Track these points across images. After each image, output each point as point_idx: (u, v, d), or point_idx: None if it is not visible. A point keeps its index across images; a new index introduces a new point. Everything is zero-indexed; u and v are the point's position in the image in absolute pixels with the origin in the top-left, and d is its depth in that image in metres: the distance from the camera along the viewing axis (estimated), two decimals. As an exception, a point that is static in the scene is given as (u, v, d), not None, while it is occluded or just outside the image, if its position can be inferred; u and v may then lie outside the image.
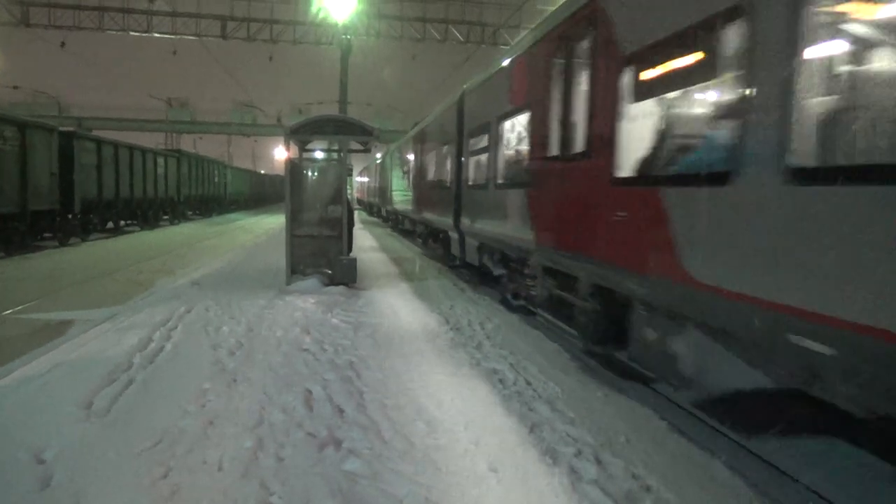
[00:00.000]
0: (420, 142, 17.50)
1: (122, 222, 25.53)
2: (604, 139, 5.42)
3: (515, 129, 8.65)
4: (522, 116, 8.02)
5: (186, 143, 61.12)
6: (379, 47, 34.23)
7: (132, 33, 31.15)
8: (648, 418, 5.03)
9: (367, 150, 12.95)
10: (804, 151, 3.29)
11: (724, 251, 3.86)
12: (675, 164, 4.73)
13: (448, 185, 12.44)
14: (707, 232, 4.03)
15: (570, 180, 6.37)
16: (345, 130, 11.08)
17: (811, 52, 3.28)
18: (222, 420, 4.56)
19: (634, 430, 4.67)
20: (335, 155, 13.11)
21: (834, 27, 3.28)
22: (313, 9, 29.51)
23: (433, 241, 16.35)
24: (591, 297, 6.00)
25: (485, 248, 10.16)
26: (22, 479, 3.58)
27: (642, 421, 4.95)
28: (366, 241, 20.95)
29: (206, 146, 67.21)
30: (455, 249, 12.50)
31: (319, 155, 14.41)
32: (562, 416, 4.86)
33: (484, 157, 9.84)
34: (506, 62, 8.79)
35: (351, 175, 17.74)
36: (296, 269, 10.73)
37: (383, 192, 29.80)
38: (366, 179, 49.87)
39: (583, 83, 6.03)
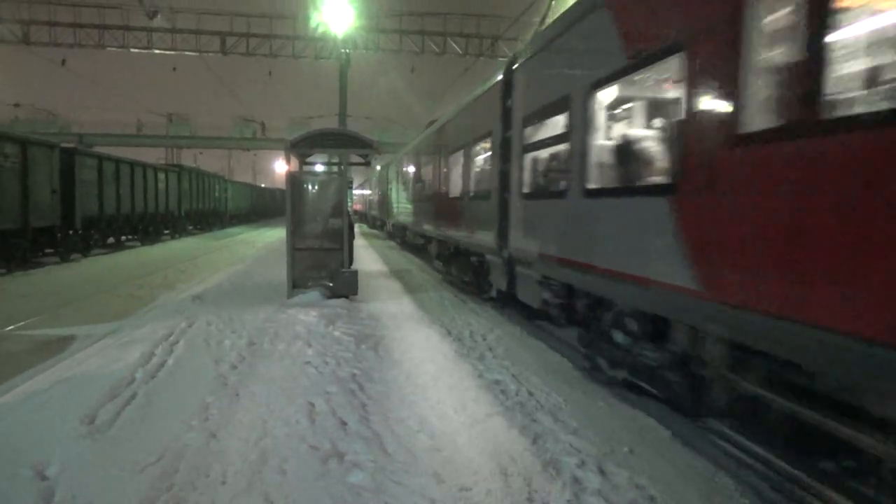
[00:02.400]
0: (437, 143, 14.53)
1: (123, 237, 25.54)
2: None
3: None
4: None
5: (187, 158, 61.36)
6: (378, 60, 34.46)
7: (132, 50, 31.30)
8: (652, 428, 5.03)
9: (367, 163, 12.99)
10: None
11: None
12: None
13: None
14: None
15: None
16: (345, 143, 11.13)
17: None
18: (225, 434, 4.55)
19: (638, 440, 4.66)
20: (335, 168, 13.15)
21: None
22: (312, 23, 29.71)
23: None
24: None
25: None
26: (24, 496, 3.57)
27: (646, 431, 4.94)
28: (367, 254, 20.97)
29: (206, 161, 67.58)
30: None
31: (320, 168, 14.45)
32: (565, 426, 4.85)
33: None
34: None
35: (351, 188, 17.74)
36: (297, 283, 10.74)
37: (386, 204, 28.68)
38: (366, 192, 49.81)
39: None
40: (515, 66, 8.67)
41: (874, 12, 3.15)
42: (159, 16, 29.97)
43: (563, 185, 6.78)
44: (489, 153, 9.90)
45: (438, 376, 6.22)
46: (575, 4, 6.47)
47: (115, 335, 8.21)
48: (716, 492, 3.95)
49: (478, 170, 10.87)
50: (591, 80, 5.92)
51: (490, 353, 7.20)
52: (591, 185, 6.01)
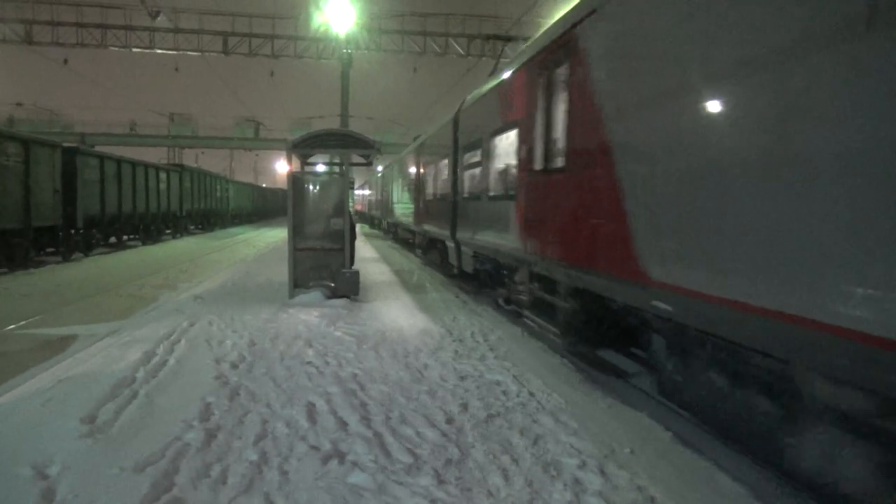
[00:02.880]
0: (418, 156, 18.28)
1: (125, 237, 25.59)
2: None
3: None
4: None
5: (189, 158, 61.42)
6: (379, 61, 34.42)
7: (135, 50, 31.32)
8: (653, 429, 5.02)
9: (368, 164, 13.00)
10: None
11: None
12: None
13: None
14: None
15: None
16: (346, 144, 11.13)
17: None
18: (226, 434, 4.56)
19: (639, 441, 4.66)
20: (337, 168, 13.15)
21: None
22: (314, 24, 29.75)
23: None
24: None
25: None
26: (25, 495, 3.57)
27: (647, 432, 4.94)
28: (368, 254, 20.98)
29: (208, 161, 67.67)
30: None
31: (321, 168, 14.45)
32: (565, 427, 4.85)
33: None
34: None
35: (352, 188, 18.21)
36: (298, 283, 10.75)
37: (384, 205, 30.72)
38: (367, 192, 50.04)
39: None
40: (459, 110, 12.38)
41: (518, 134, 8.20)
42: (161, 16, 30.03)
43: (477, 192, 10.59)
44: (447, 168, 13.31)
45: (440, 377, 6.22)
46: (490, 85, 10.13)
47: (116, 335, 8.22)
48: (716, 493, 3.95)
49: (442, 179, 14.20)
50: (490, 130, 9.71)
51: (491, 354, 7.20)
52: (491, 193, 9.73)
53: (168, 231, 30.77)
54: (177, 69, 36.12)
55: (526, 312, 8.58)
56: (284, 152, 11.37)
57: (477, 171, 10.59)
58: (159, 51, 31.38)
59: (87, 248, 20.71)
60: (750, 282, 3.61)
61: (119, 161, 23.47)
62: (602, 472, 4.05)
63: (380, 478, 3.89)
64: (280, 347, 7.27)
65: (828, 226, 3.12)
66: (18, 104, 55.02)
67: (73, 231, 19.59)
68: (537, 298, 7.91)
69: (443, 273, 15.32)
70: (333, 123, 33.65)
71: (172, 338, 7.68)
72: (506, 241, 8.64)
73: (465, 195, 11.52)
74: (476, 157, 10.63)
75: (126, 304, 11.40)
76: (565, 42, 6.52)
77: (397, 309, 9.99)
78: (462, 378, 6.19)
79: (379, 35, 31.43)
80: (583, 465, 4.14)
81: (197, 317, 9.01)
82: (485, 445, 4.46)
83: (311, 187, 11.24)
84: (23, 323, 9.59)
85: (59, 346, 8.24)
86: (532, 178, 7.62)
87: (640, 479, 3.98)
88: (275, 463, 4.08)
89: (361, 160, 12.45)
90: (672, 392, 5.20)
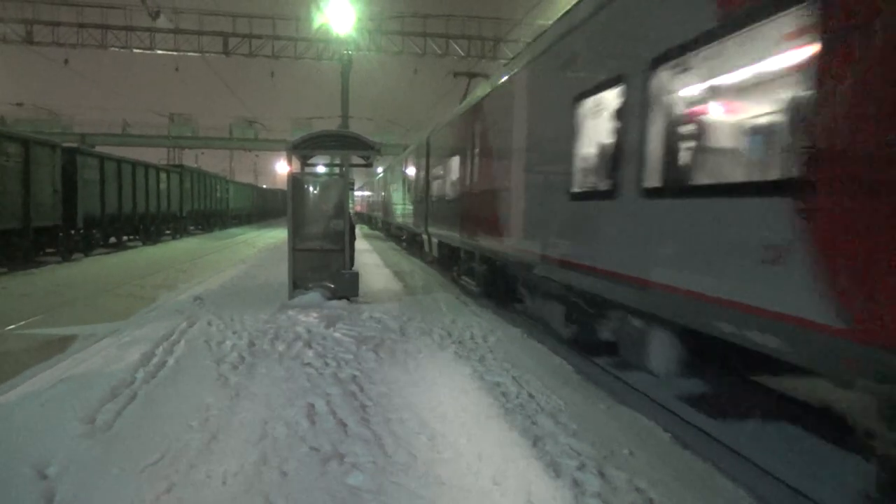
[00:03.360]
0: (403, 165, 23.06)
1: (125, 237, 25.59)
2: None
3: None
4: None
5: (189, 158, 61.41)
6: (380, 62, 34.42)
7: (135, 50, 31.31)
8: (652, 430, 5.03)
9: (368, 165, 13.01)
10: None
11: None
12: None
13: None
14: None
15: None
16: (346, 145, 11.14)
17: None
18: (225, 434, 4.56)
19: (638, 443, 4.66)
20: (337, 169, 13.16)
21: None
22: (315, 24, 29.75)
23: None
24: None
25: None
26: (25, 495, 3.58)
27: (645, 433, 4.94)
28: (369, 259, 20.97)
29: (208, 161, 67.64)
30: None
31: (321, 169, 14.46)
32: (565, 428, 4.85)
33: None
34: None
35: (352, 189, 19.01)
36: (298, 284, 10.75)
37: (383, 205, 32.66)
38: (367, 193, 50.23)
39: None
40: (427, 136, 16.90)
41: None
42: (162, 16, 30.00)
43: (438, 198, 14.52)
44: (423, 176, 17.16)
45: (439, 378, 6.23)
46: (443, 122, 14.60)
47: (115, 335, 8.22)
48: (715, 494, 3.95)
49: (419, 185, 17.96)
50: (445, 153, 13.64)
51: (491, 356, 7.20)
52: (447, 196, 13.30)
53: (168, 231, 30.77)
54: (177, 69, 36.13)
55: (464, 277, 12.63)
56: (284, 153, 11.38)
57: (438, 181, 14.75)
58: (160, 51, 31.38)
59: (87, 249, 20.72)
60: (517, 243, 8.33)
61: (119, 161, 23.49)
62: (601, 474, 4.05)
63: (379, 479, 3.90)
64: (279, 348, 7.27)
65: (540, 214, 7.55)
66: (19, 104, 55.02)
67: (72, 231, 19.60)
68: (469, 267, 12.08)
69: (422, 258, 19.41)
70: (334, 124, 33.69)
71: (172, 338, 7.68)
72: (453, 233, 12.64)
73: (433, 199, 15.46)
74: (438, 170, 14.81)
75: (126, 305, 11.40)
76: (474, 107, 11.25)
77: (397, 310, 9.99)
78: (461, 379, 6.19)
79: (379, 36, 31.43)
80: (582, 467, 4.15)
81: (196, 317, 9.02)
82: (484, 447, 4.46)
83: (310, 188, 11.24)
84: (22, 323, 9.60)
85: (59, 346, 8.24)
86: (463, 188, 11.73)
87: (639, 480, 3.98)
88: (274, 463, 4.08)
89: (361, 161, 12.46)
90: (530, 310, 9.24)
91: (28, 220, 16.31)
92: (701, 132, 4.47)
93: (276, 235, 32.54)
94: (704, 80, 4.41)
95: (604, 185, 5.77)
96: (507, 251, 8.89)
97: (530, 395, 5.70)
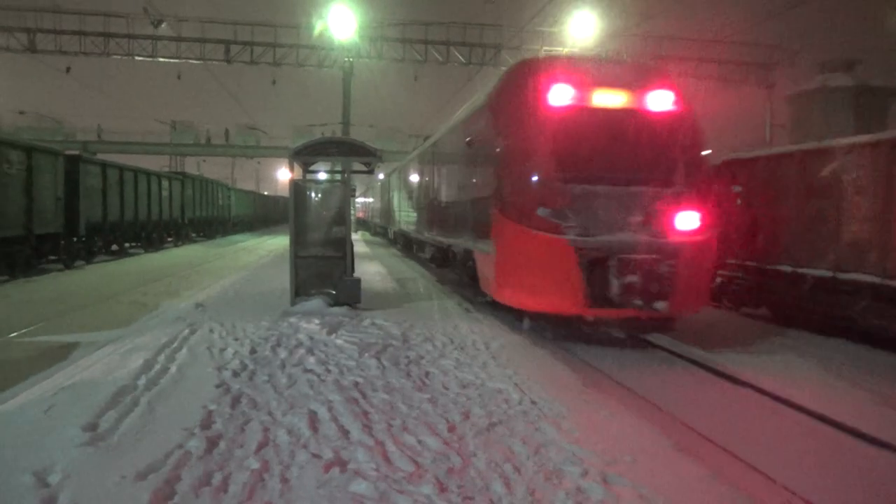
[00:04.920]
0: (387, 182, 31.54)
1: (127, 244, 25.61)
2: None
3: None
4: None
5: (191, 166, 61.46)
6: (381, 69, 34.50)
7: (137, 58, 31.36)
8: (654, 436, 5.02)
9: (370, 172, 13.03)
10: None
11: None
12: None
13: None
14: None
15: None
16: (348, 152, 11.16)
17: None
18: (227, 442, 4.55)
19: (640, 449, 4.65)
20: (339, 176, 13.18)
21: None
22: (316, 31, 29.84)
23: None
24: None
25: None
26: (26, 503, 3.56)
27: (648, 440, 4.93)
28: (369, 267, 20.97)
29: (210, 168, 67.60)
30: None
31: (323, 176, 14.48)
32: (568, 435, 4.84)
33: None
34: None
35: (354, 196, 20.07)
36: (300, 291, 10.74)
37: (382, 212, 36.83)
38: (369, 200, 50.61)
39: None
40: (395, 168, 27.57)
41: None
42: (164, 24, 30.11)
43: (396, 207, 25.42)
44: (393, 195, 26.27)
45: (442, 384, 6.22)
46: (407, 160, 23.55)
47: (117, 342, 8.22)
48: (719, 501, 3.94)
49: (389, 198, 28.34)
50: (400, 184, 24.30)
51: (493, 362, 7.19)
52: (400, 208, 23.69)
53: (170, 239, 30.78)
54: (179, 77, 36.22)
55: (420, 255, 20.07)
56: (286, 160, 11.39)
57: (397, 199, 24.98)
58: (161, 59, 31.42)
59: (89, 256, 20.72)
60: (416, 229, 18.95)
61: (121, 168, 23.53)
62: (604, 481, 4.04)
63: (382, 486, 3.88)
64: (281, 355, 7.26)
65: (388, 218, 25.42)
66: (21, 112, 55.10)
67: (75, 238, 19.60)
68: (424, 251, 19.01)
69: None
70: (335, 131, 33.73)
71: (174, 345, 7.68)
72: (406, 227, 21.50)
73: (396, 209, 25.00)
74: (398, 193, 24.62)
75: (128, 312, 11.40)
76: (422, 153, 18.09)
77: (398, 317, 9.98)
78: (464, 386, 6.18)
79: (380, 43, 31.48)
80: (585, 474, 4.13)
81: (198, 324, 9.01)
82: (486, 454, 4.45)
83: (312, 195, 11.25)
84: (24, 330, 9.59)
85: (61, 353, 8.24)
86: (422, 202, 17.31)
87: (642, 487, 3.97)
88: (276, 471, 4.07)
89: (363, 168, 12.48)
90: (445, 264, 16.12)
91: (30, 228, 16.32)
92: (452, 179, 13.27)
93: (278, 242, 32.56)
94: (465, 164, 11.71)
95: (431, 199, 14.50)
96: (414, 233, 19.77)
97: (532, 402, 5.68)
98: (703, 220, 8.55)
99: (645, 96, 9.02)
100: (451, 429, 4.96)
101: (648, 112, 8.96)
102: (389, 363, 7.03)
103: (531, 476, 4.10)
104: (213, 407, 5.31)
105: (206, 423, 4.91)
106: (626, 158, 8.59)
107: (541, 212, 8.25)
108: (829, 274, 9.55)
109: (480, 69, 31.23)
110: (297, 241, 10.80)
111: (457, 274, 13.55)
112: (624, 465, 4.34)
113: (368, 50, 31.28)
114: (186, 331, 8.55)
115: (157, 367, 6.67)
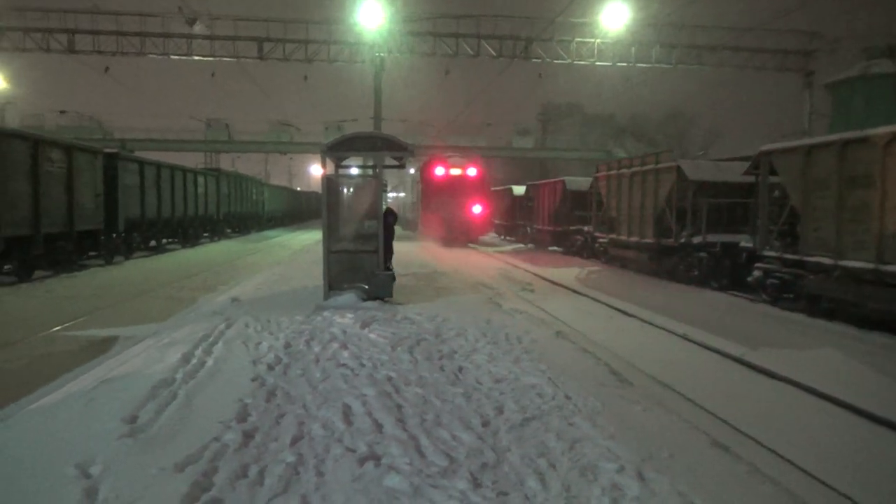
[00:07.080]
0: (412, 186, 44.61)
1: (164, 240, 26.09)
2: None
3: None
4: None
5: (225, 162, 62.30)
6: (411, 64, 34.57)
7: (172, 57, 31.91)
8: (690, 431, 4.93)
9: (402, 166, 13.04)
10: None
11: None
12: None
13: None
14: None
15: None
16: (379, 147, 11.18)
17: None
18: (263, 435, 4.60)
19: (677, 445, 4.57)
20: (371, 171, 13.22)
21: None
22: (347, 25, 30.01)
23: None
24: None
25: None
26: (69, 493, 3.65)
27: (684, 435, 4.85)
28: (402, 258, 21.02)
29: (244, 165, 68.48)
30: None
31: (355, 171, 14.55)
32: (602, 431, 4.78)
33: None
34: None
35: (385, 191, 19.27)
36: (333, 285, 10.81)
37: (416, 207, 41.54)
38: (401, 195, 51.88)
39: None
40: (420, 174, 36.07)
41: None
42: (198, 23, 30.53)
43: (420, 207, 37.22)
44: (416, 198, 39.56)
45: (474, 379, 6.20)
46: (414, 179, 41.66)
47: (156, 336, 8.38)
48: (758, 497, 3.85)
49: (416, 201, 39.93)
50: (412, 190, 44.31)
51: (526, 356, 7.15)
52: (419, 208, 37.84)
53: (205, 234, 31.28)
54: (213, 75, 36.75)
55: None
56: (318, 156, 11.46)
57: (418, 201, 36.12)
58: (196, 57, 31.90)
59: (128, 252, 21.16)
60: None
61: (158, 166, 23.95)
62: (640, 477, 3.98)
63: (415, 480, 3.88)
64: (315, 349, 7.32)
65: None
66: (62, 111, 56.43)
67: (114, 235, 20.03)
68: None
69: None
70: (367, 126, 33.88)
71: (210, 339, 7.79)
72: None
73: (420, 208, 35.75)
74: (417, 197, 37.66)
75: (165, 306, 11.61)
76: (419, 178, 33.56)
77: (430, 311, 9.98)
78: (497, 381, 6.15)
79: (411, 38, 31.49)
80: (621, 470, 4.08)
81: (234, 319, 9.13)
82: (521, 449, 4.42)
83: (345, 190, 11.31)
84: (68, 324, 9.84)
85: (102, 347, 8.43)
86: (418, 206, 34.23)
87: (680, 484, 3.90)
88: (311, 464, 4.10)
89: (395, 162, 12.49)
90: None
91: (72, 224, 16.72)
92: (429, 200, 31.37)
93: (311, 237, 32.88)
94: (426, 195, 31.62)
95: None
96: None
97: (567, 397, 5.63)
98: (483, 209, 29.73)
99: (466, 170, 30.14)
100: (486, 423, 4.94)
101: (467, 176, 29.99)
102: (422, 357, 7.03)
103: (566, 473, 4.05)
104: (248, 400, 5.38)
105: (242, 417, 4.97)
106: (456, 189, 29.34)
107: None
108: (871, 266, 9.28)
109: (512, 62, 31.02)
110: (330, 237, 10.86)
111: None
112: (661, 461, 4.27)
113: (399, 45, 31.30)
114: (222, 325, 8.67)
115: (195, 360, 6.77)
